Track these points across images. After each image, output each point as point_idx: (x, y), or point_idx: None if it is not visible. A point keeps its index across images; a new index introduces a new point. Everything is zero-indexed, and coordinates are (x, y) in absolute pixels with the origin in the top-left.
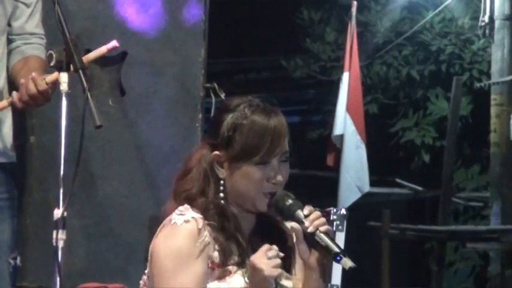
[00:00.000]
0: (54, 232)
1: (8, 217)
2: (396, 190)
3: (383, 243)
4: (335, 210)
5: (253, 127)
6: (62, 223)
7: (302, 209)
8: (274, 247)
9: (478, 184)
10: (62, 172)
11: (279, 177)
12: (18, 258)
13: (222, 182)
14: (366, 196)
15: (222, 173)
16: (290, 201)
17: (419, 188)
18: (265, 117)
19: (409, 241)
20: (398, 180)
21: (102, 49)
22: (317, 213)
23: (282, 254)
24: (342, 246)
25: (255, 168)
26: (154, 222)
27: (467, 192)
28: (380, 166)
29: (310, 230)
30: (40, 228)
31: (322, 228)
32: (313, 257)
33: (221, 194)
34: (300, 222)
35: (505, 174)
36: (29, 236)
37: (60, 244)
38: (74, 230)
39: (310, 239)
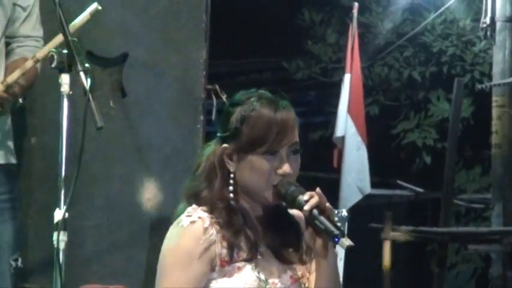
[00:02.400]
0: (55, 233)
1: (9, 218)
2: (397, 192)
3: (384, 245)
4: (336, 212)
5: (260, 118)
6: (63, 224)
7: (303, 194)
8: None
9: (480, 186)
10: (63, 173)
11: (287, 168)
12: (20, 260)
13: (232, 175)
14: (367, 198)
15: (231, 166)
16: (292, 187)
17: (421, 190)
18: (272, 109)
19: (411, 243)
20: (399, 181)
21: (85, 14)
22: (316, 197)
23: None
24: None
25: (262, 159)
26: (155, 224)
27: (468, 194)
28: (381, 168)
29: (306, 208)
30: (41, 229)
31: (327, 208)
32: (318, 242)
33: (230, 188)
34: (301, 207)
35: (507, 176)
36: (30, 237)
37: (62, 245)
38: (75, 231)
39: (312, 223)
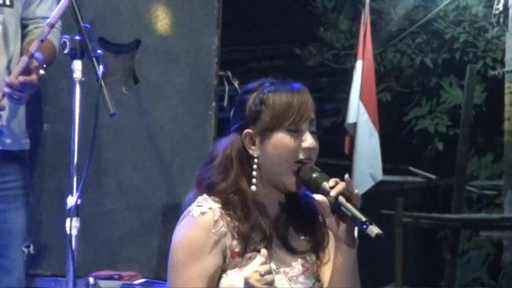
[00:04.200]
0: (68, 220)
1: (22, 205)
2: (409, 178)
3: (396, 231)
4: None
5: (279, 97)
6: (76, 211)
7: (328, 180)
8: (267, 266)
9: (492, 172)
10: (75, 160)
11: (312, 141)
12: (32, 246)
13: (255, 160)
14: (379, 184)
15: (255, 150)
16: (316, 174)
17: (433, 177)
18: (289, 88)
19: (423, 229)
20: (411, 168)
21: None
22: (342, 183)
23: (271, 277)
24: (356, 233)
25: (287, 135)
26: (167, 210)
27: (480, 181)
28: (393, 154)
29: (332, 194)
30: (54, 216)
31: (355, 194)
32: (342, 228)
33: (254, 173)
34: (326, 194)
35: None
36: (42, 223)
37: (74, 232)
38: (87, 218)
39: (337, 210)
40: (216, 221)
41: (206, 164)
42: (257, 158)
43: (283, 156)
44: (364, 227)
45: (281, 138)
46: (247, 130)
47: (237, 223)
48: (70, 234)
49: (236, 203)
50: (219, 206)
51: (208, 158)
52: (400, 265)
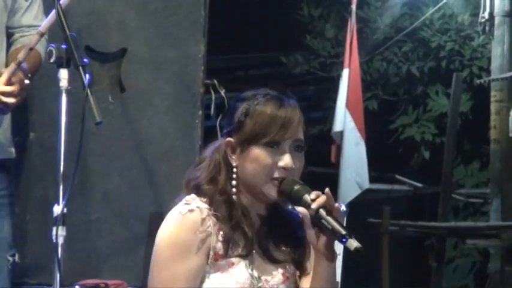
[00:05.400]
0: (54, 228)
1: (7, 214)
2: (396, 186)
3: (383, 239)
4: None
5: (264, 111)
6: (62, 219)
7: (309, 193)
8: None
9: (478, 180)
10: (61, 168)
11: (288, 162)
12: (17, 255)
13: (234, 169)
14: (365, 193)
15: (234, 160)
16: (298, 186)
17: (419, 185)
18: (277, 104)
19: (409, 237)
20: (398, 176)
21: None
22: (324, 196)
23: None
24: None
25: (264, 150)
26: (154, 218)
27: (467, 189)
28: (380, 163)
29: (313, 207)
30: (40, 224)
31: (329, 206)
32: (321, 241)
33: (233, 182)
34: (307, 206)
35: (505, 171)
36: (28, 232)
37: (60, 240)
38: (73, 227)
39: (318, 223)
40: (203, 220)
41: (196, 165)
42: (235, 167)
43: (257, 171)
44: (344, 240)
45: (258, 153)
46: (229, 138)
47: (222, 225)
48: (56, 243)
49: (221, 204)
50: (207, 206)
51: (198, 160)
52: (387, 273)
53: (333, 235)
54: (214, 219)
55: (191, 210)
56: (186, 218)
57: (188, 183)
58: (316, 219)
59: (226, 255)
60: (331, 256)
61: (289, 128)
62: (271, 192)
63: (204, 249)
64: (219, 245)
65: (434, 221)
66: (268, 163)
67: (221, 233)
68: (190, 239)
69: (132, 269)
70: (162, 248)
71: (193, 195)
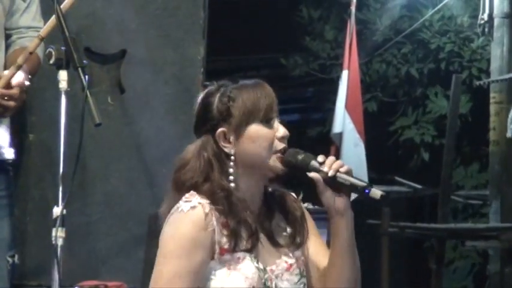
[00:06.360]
0: (54, 230)
1: (6, 215)
2: (395, 188)
3: (382, 241)
4: None
5: (246, 91)
6: (61, 221)
7: (315, 158)
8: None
9: (477, 182)
10: (61, 170)
11: (285, 131)
12: (16, 256)
13: (232, 157)
14: None
15: (230, 148)
16: (302, 155)
17: (419, 186)
18: (251, 84)
19: (408, 239)
20: (397, 178)
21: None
22: (332, 157)
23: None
24: None
25: (262, 127)
26: (153, 220)
27: (466, 190)
28: (379, 164)
29: (331, 174)
30: (39, 226)
31: (343, 169)
32: (338, 201)
33: (231, 170)
34: (318, 170)
35: (504, 173)
36: (28, 234)
37: (60, 242)
38: (73, 228)
39: (332, 183)
40: (206, 215)
41: (181, 168)
42: (233, 155)
43: (261, 148)
44: (367, 191)
45: (256, 131)
46: (220, 129)
47: (225, 219)
48: (56, 244)
49: (223, 200)
50: (208, 201)
51: (180, 162)
52: (386, 275)
53: (353, 190)
54: (217, 213)
55: (193, 207)
56: (189, 214)
57: (182, 186)
58: (330, 180)
59: (232, 249)
60: (350, 215)
61: (273, 98)
62: (277, 165)
63: (209, 244)
64: (224, 240)
65: (434, 223)
66: (270, 137)
67: (225, 227)
68: (196, 235)
69: (131, 270)
70: (166, 245)
71: (192, 192)
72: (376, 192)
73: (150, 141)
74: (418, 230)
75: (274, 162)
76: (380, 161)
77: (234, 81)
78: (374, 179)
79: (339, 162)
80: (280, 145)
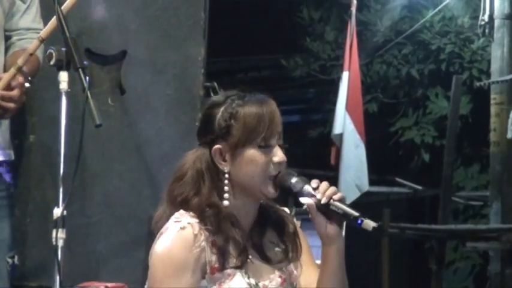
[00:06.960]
0: (54, 231)
1: (6, 215)
2: (396, 189)
3: (382, 242)
4: None
5: (249, 112)
6: (62, 222)
7: (309, 183)
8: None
9: (478, 183)
10: (61, 171)
11: (282, 156)
12: (16, 257)
13: (226, 175)
14: (365, 195)
15: (225, 166)
16: (295, 178)
17: (419, 187)
18: (257, 102)
19: (409, 240)
20: (398, 179)
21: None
22: (325, 183)
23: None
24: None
25: (259, 151)
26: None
27: (467, 191)
28: (379, 165)
29: (324, 201)
30: (40, 227)
31: (336, 197)
32: (330, 228)
33: (226, 188)
34: (311, 195)
35: (505, 174)
36: (28, 234)
37: (60, 243)
38: (73, 229)
39: (325, 210)
40: (195, 236)
41: (177, 180)
42: (228, 173)
43: (255, 172)
44: (359, 222)
45: (252, 155)
46: (217, 146)
47: (214, 238)
48: (56, 246)
49: (210, 217)
50: (197, 220)
51: (178, 172)
52: (387, 276)
53: (344, 219)
54: (207, 232)
55: (183, 228)
56: (179, 235)
57: (174, 200)
58: (322, 207)
59: (222, 268)
60: (341, 242)
61: (275, 123)
62: (270, 190)
63: (199, 265)
64: (214, 258)
65: (434, 224)
66: (265, 162)
67: (214, 246)
68: (185, 256)
69: (132, 272)
70: (156, 267)
71: (182, 211)
72: (369, 223)
73: (151, 142)
74: (419, 231)
75: (267, 187)
76: (380, 162)
77: (241, 95)
78: (375, 180)
79: (332, 188)
80: (274, 171)
